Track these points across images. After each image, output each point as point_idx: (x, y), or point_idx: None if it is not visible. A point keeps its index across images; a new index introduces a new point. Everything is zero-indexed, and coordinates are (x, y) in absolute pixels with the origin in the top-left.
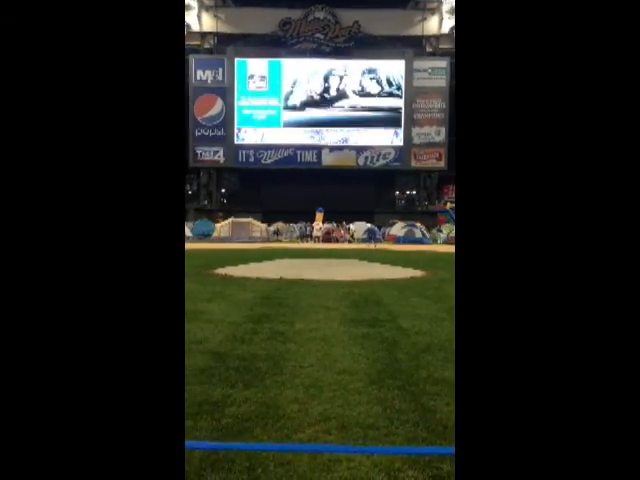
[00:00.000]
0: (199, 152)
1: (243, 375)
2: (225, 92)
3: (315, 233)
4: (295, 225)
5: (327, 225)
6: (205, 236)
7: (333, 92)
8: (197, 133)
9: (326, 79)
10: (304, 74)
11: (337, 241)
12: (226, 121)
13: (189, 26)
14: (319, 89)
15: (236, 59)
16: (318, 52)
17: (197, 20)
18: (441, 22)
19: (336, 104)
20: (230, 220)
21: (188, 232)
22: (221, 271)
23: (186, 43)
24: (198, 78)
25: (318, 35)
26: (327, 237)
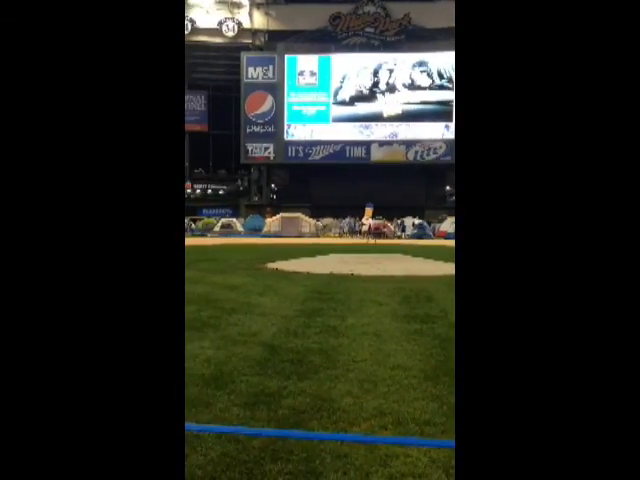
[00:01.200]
0: (250, 149)
1: (297, 368)
2: (275, 89)
3: (364, 229)
4: (344, 220)
5: (376, 221)
6: (256, 231)
7: (383, 86)
8: (248, 130)
9: (375, 73)
10: (353, 69)
11: (387, 237)
12: (276, 117)
13: (240, 24)
14: (368, 83)
15: (286, 55)
16: (368, 46)
17: (248, 18)
18: None
19: (386, 98)
20: (280, 215)
21: (240, 227)
22: (272, 265)
23: (238, 41)
24: (249, 75)
25: (368, 29)
26: (376, 232)
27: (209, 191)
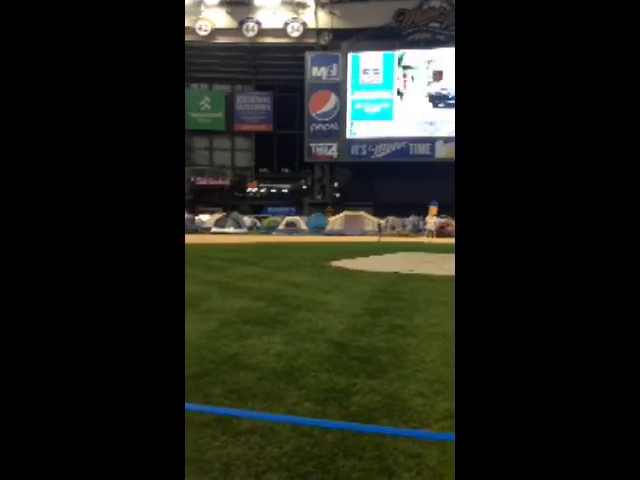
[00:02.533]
0: (313, 147)
1: (366, 366)
2: (339, 87)
3: (429, 227)
4: (408, 219)
5: (441, 219)
6: (319, 229)
7: (448, 82)
8: (312, 129)
9: (440, 69)
10: (418, 65)
11: (451, 235)
12: (339, 116)
13: (305, 24)
14: (433, 79)
15: (350, 54)
16: (433, 42)
17: (314, 17)
18: None
19: (451, 94)
20: (343, 214)
21: (304, 225)
22: (336, 263)
23: (302, 40)
24: (313, 75)
25: (433, 24)
26: (441, 231)
27: (273, 190)
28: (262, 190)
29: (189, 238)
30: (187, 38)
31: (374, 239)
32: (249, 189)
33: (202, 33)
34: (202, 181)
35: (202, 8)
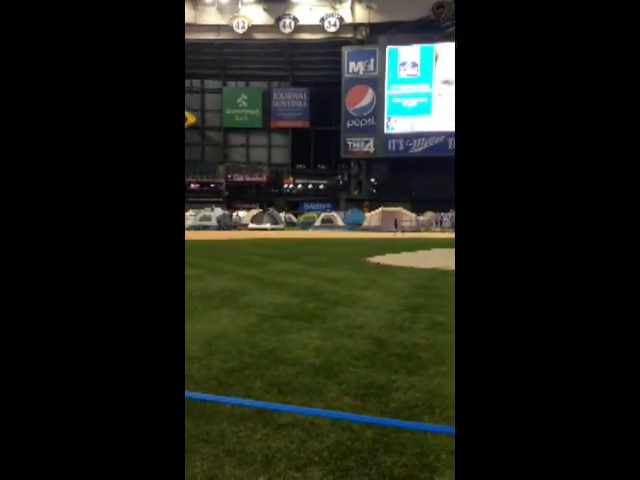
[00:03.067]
0: (350, 143)
1: (405, 362)
2: (376, 82)
3: None
4: (446, 215)
5: None
6: (356, 225)
7: None
8: (348, 124)
9: None
10: None
11: None
12: (376, 111)
13: (342, 19)
14: None
15: (388, 48)
16: None
17: (350, 12)
18: None
19: None
20: (380, 210)
21: (340, 221)
22: (373, 259)
23: (339, 36)
24: (350, 70)
25: None
26: None
27: (310, 186)
28: (298, 186)
29: (227, 234)
30: (224, 36)
31: (395, 235)
32: (285, 185)
33: (239, 31)
34: (239, 178)
35: (239, 6)
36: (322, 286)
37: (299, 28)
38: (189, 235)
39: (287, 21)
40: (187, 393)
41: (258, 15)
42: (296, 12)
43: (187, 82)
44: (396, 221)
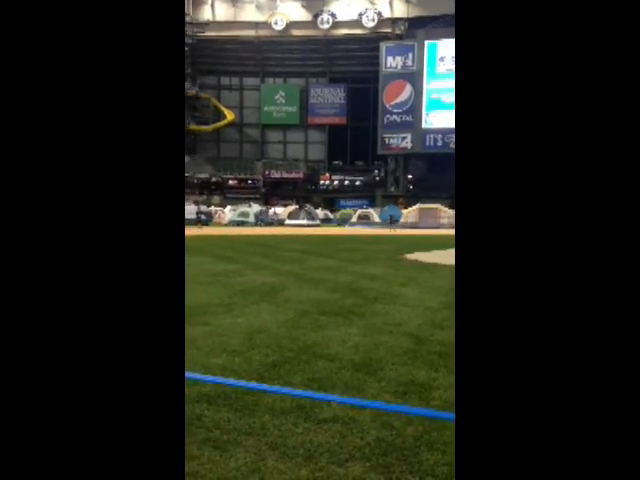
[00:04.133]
0: (387, 139)
1: (445, 360)
2: (414, 77)
3: None
4: None
5: None
6: (392, 222)
7: None
8: (386, 120)
9: None
10: None
11: None
12: (414, 106)
13: (380, 14)
14: None
15: (426, 42)
16: None
17: (389, 7)
18: None
19: None
20: (417, 206)
21: (377, 218)
22: (411, 256)
23: (377, 31)
24: (388, 65)
25: None
26: None
27: (346, 182)
28: (335, 182)
29: (264, 230)
30: (263, 33)
31: (388, 232)
32: (322, 182)
33: (277, 28)
34: (276, 174)
35: (277, 3)
36: (360, 283)
37: (337, 24)
38: (228, 231)
39: (325, 17)
40: (234, 381)
41: (296, 11)
42: (334, 8)
43: (226, 80)
44: (391, 218)
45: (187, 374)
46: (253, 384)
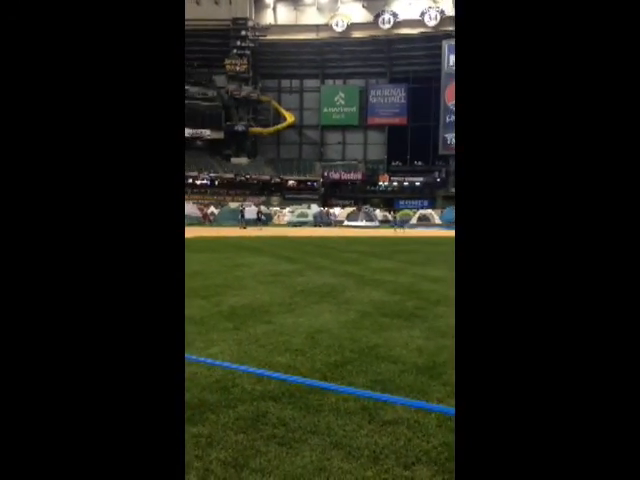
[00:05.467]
0: (449, 139)
1: None
2: None
3: None
4: None
5: None
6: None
7: None
8: (448, 120)
9: None
10: None
11: None
12: None
13: (443, 12)
14: None
15: None
16: None
17: (451, 5)
18: None
19: None
20: None
21: (437, 219)
22: None
23: (439, 29)
24: (450, 63)
25: None
26: None
27: (405, 183)
28: (394, 183)
29: (323, 231)
30: (324, 35)
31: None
32: (381, 182)
33: (338, 29)
34: (334, 175)
35: (339, 4)
36: (421, 285)
37: (398, 23)
38: (287, 231)
39: (386, 17)
40: (298, 378)
41: (357, 12)
42: (395, 7)
43: (287, 82)
44: (395, 217)
45: (256, 370)
46: (324, 383)
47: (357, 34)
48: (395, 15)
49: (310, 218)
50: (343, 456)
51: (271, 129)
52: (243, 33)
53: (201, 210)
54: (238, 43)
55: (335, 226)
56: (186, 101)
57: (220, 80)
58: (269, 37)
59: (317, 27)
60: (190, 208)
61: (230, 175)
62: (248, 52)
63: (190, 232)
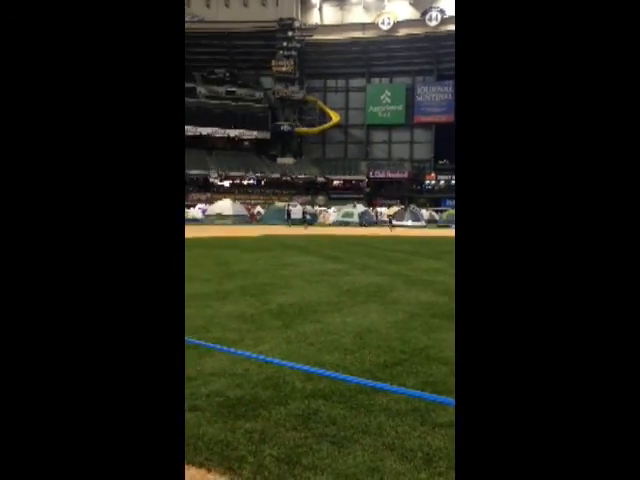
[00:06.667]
0: None
1: None
2: None
3: None
4: None
5: None
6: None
7: None
8: None
9: None
10: None
11: None
12: None
13: None
14: None
15: None
16: None
17: None
18: None
19: None
20: None
21: None
22: None
23: None
24: None
25: None
26: None
27: (453, 182)
28: (441, 182)
29: (368, 231)
30: (370, 34)
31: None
32: (427, 181)
33: (384, 27)
34: (380, 174)
35: (385, 2)
36: None
37: (446, 20)
38: (333, 230)
39: (433, 14)
40: (348, 377)
41: (404, 10)
42: (443, 4)
43: (332, 82)
44: (390, 219)
45: (307, 367)
46: (377, 383)
47: (404, 32)
48: (442, 12)
49: (355, 217)
50: (396, 457)
51: (317, 129)
52: (290, 34)
53: (248, 210)
54: (284, 44)
55: (380, 225)
56: (234, 103)
57: (267, 81)
58: (315, 37)
59: (363, 26)
60: (238, 207)
61: (276, 175)
62: (294, 53)
63: (238, 231)
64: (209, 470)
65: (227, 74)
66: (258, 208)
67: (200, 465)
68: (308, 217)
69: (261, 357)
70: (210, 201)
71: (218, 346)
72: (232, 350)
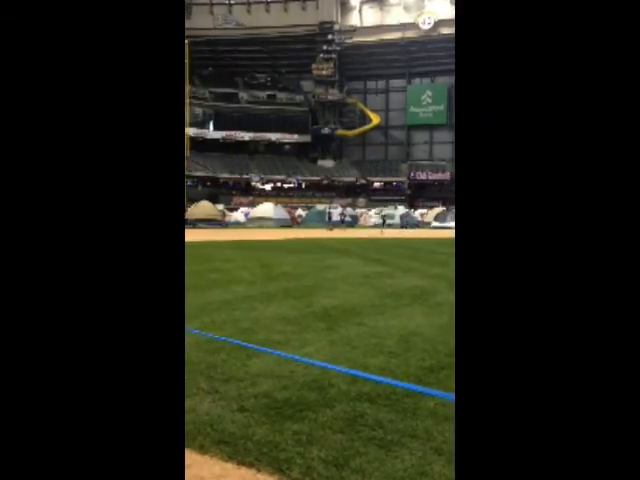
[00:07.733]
0: None
1: None
2: None
3: None
4: None
5: None
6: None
7: None
8: None
9: None
10: None
11: None
12: None
13: None
14: None
15: None
16: None
17: None
18: None
19: None
20: None
21: None
22: None
23: None
24: None
25: None
26: None
27: None
28: None
29: (410, 233)
30: (410, 34)
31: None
32: None
33: (425, 27)
34: (421, 176)
35: (425, 2)
36: None
37: None
38: (373, 233)
39: None
40: (391, 380)
41: (445, 9)
42: None
43: (372, 83)
44: (384, 220)
45: (351, 371)
46: (423, 388)
47: (445, 31)
48: None
49: (396, 219)
50: (445, 462)
51: (357, 131)
52: (330, 37)
53: (290, 213)
54: (325, 47)
55: (422, 227)
56: (275, 107)
57: (307, 85)
58: (355, 39)
59: (403, 26)
60: (279, 210)
61: (317, 178)
62: (334, 55)
63: (281, 234)
64: (259, 470)
65: (268, 79)
66: (299, 211)
67: (250, 465)
68: (346, 219)
69: (304, 359)
70: (252, 204)
71: (265, 348)
72: (279, 353)
